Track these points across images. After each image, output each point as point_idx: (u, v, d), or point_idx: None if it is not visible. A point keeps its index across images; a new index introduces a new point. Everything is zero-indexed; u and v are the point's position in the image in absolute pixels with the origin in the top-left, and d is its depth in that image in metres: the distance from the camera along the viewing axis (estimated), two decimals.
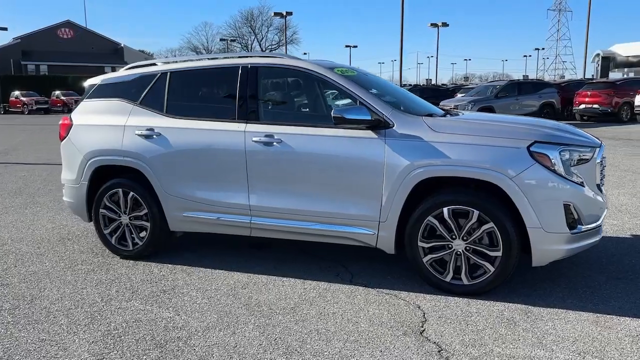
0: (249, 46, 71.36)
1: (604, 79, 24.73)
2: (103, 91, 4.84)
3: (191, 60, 4.77)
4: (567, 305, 3.48)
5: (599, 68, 50.52)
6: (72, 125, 4.85)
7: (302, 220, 4.03)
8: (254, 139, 4.07)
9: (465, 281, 3.62)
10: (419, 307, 3.50)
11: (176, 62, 4.76)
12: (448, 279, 3.67)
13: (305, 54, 71.81)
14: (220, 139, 4.22)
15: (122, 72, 4.89)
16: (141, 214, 4.55)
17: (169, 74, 4.57)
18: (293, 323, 3.32)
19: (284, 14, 44.40)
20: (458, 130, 3.68)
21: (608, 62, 51.70)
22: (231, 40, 64.83)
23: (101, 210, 4.69)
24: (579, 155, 3.53)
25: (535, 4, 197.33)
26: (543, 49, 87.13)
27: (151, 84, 4.60)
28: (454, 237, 3.61)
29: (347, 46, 63.16)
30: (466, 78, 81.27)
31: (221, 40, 64.22)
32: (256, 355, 2.93)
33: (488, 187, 3.54)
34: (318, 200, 3.96)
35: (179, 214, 4.42)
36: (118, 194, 4.60)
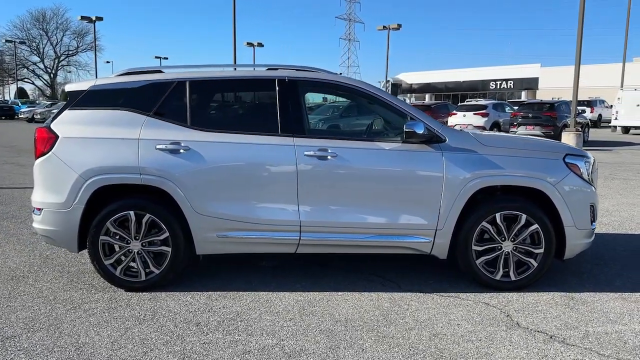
0: (41, 50, 63.55)
1: (422, 102, 28.67)
2: (96, 99, 4.16)
3: (208, 70, 4.39)
4: (588, 289, 4.20)
5: (389, 92, 57.96)
6: (56, 138, 4.05)
7: (356, 233, 4.08)
8: (307, 153, 3.99)
9: (513, 277, 4.11)
10: (489, 305, 3.87)
11: (189, 70, 4.33)
12: (498, 277, 4.11)
13: (108, 62, 66.54)
14: (265, 153, 4.03)
15: (120, 79, 4.26)
16: (160, 238, 4.04)
17: (188, 83, 4.16)
18: (406, 332, 3.39)
19: (93, 19, 40.79)
20: (503, 144, 4.20)
21: (396, 88, 59.77)
22: (20, 43, 56.88)
23: (102, 237, 4.02)
24: (591, 165, 4.33)
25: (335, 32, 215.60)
26: (341, 74, 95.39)
27: (167, 93, 4.13)
28: (503, 239, 4.08)
29: (157, 57, 60.43)
30: None
31: (7, 41, 55.86)
32: None
33: (529, 192, 4.10)
34: (375, 213, 4.06)
35: (211, 235, 4.05)
36: (128, 217, 4.00)
